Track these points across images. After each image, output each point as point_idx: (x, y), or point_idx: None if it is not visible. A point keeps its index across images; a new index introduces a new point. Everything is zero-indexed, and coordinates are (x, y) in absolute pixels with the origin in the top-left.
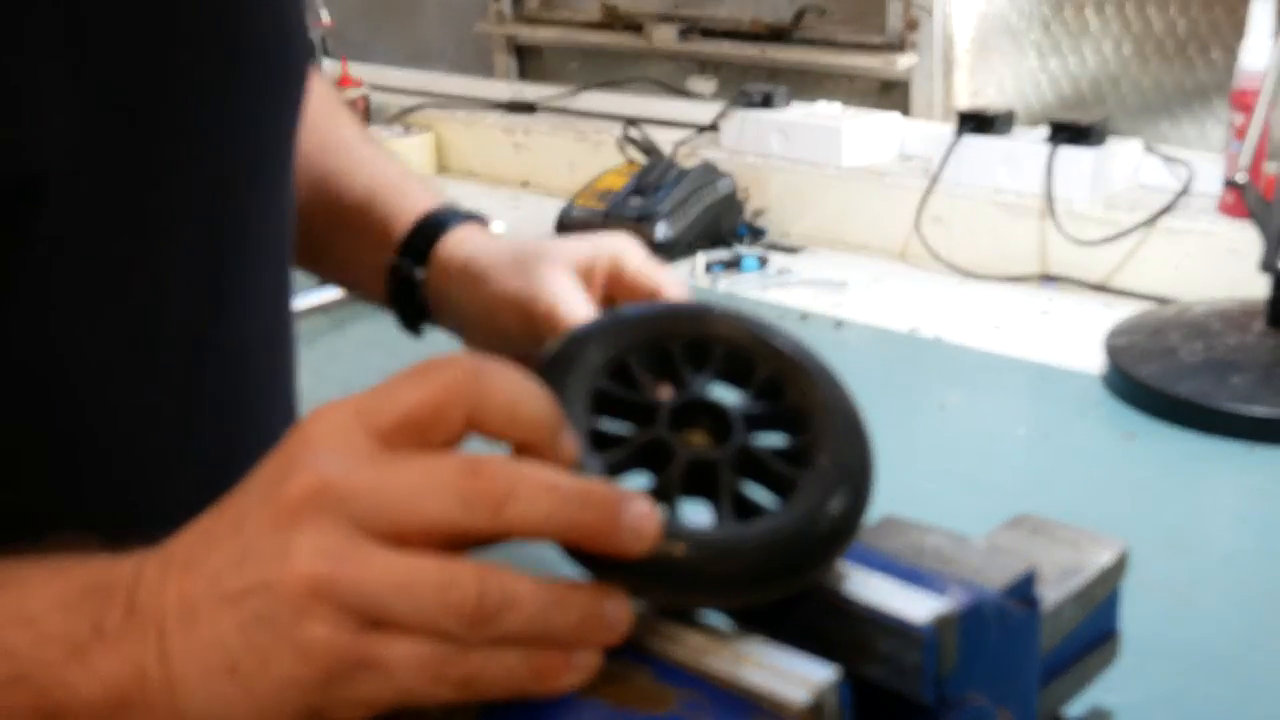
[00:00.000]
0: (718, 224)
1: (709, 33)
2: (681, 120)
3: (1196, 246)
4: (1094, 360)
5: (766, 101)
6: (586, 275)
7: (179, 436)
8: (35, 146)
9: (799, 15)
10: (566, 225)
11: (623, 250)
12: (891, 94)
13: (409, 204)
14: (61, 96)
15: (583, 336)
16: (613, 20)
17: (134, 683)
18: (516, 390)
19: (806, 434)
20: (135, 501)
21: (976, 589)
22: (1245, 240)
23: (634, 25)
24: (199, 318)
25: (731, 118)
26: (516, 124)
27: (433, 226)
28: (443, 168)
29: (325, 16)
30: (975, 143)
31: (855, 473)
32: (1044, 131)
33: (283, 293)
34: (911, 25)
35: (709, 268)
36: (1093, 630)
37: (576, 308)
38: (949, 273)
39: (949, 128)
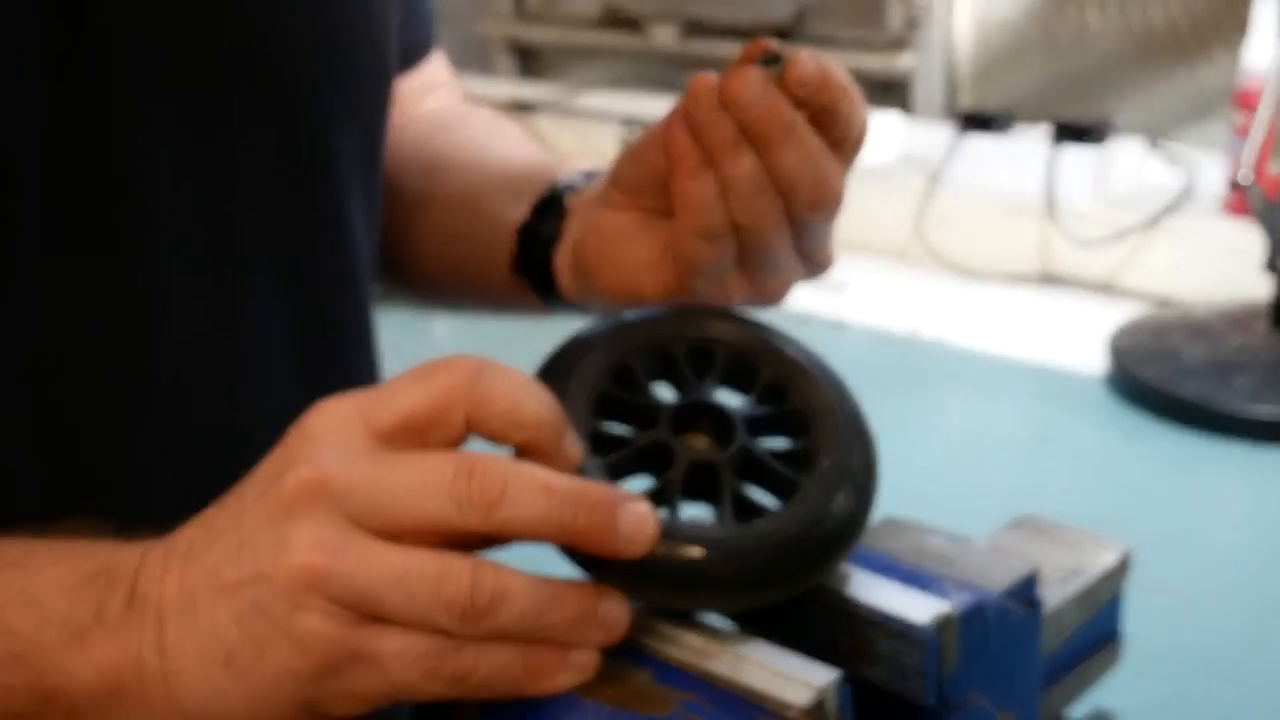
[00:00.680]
0: None
1: (709, 32)
2: None
3: (1199, 246)
4: (1096, 361)
5: None
6: None
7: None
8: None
9: (799, 14)
10: None
11: None
12: (891, 94)
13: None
14: (27, 83)
15: (585, 339)
16: (613, 20)
17: (131, 671)
18: (519, 394)
19: (809, 437)
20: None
21: (978, 590)
22: (1248, 240)
23: (634, 25)
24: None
25: None
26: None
27: (565, 186)
28: None
29: None
30: (976, 142)
31: (858, 475)
32: (1045, 131)
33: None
34: (912, 25)
35: None
36: (1095, 632)
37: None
38: (950, 273)
39: (950, 127)
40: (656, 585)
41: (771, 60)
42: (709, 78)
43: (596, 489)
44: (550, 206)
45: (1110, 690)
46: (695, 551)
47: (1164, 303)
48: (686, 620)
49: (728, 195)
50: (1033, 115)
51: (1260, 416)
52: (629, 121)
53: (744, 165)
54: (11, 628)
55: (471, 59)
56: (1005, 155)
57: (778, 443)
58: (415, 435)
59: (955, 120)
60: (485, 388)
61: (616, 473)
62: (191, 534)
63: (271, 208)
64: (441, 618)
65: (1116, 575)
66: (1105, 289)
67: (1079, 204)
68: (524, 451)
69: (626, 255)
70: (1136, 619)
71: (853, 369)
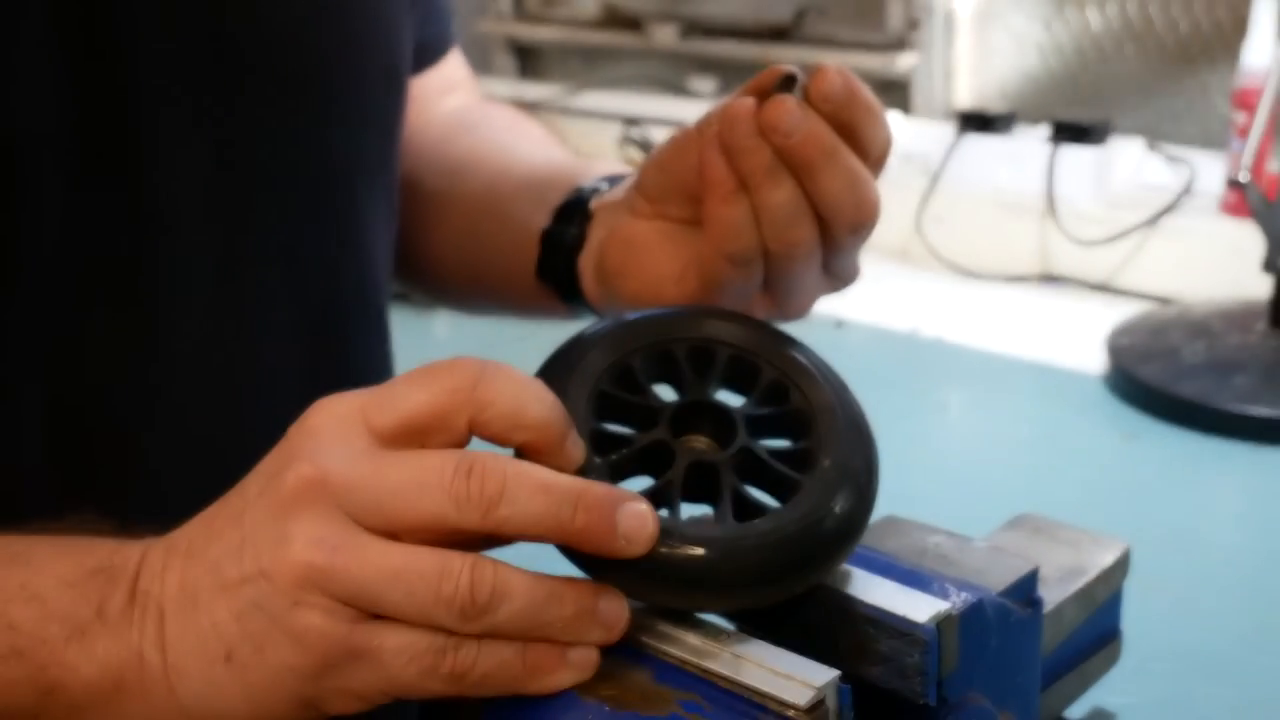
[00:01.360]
0: None
1: (709, 32)
2: (681, 120)
3: (1198, 246)
4: (1095, 360)
5: None
6: None
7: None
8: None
9: (799, 14)
10: None
11: None
12: (891, 94)
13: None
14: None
15: (586, 338)
16: (613, 20)
17: (131, 667)
18: (521, 395)
19: (810, 437)
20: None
21: (978, 589)
22: (1248, 240)
23: (634, 24)
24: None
25: None
26: None
27: (589, 191)
28: None
29: None
30: (976, 142)
31: (858, 475)
32: (1045, 131)
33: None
34: (912, 25)
35: None
36: (1095, 631)
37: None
38: (950, 273)
39: (950, 127)
40: (656, 585)
41: (788, 83)
42: (745, 102)
43: (596, 488)
44: (574, 211)
45: (1110, 689)
46: (695, 551)
47: (1163, 302)
48: (686, 620)
49: (761, 222)
50: (1033, 115)
51: (1259, 416)
52: (629, 121)
53: (781, 194)
54: (13, 623)
55: (471, 59)
56: (1005, 155)
57: (778, 443)
58: (416, 437)
59: (955, 120)
60: (487, 390)
61: (617, 473)
62: (192, 531)
63: (285, 210)
64: (440, 615)
65: (1116, 574)
66: (1105, 288)
67: (1079, 204)
68: (527, 452)
69: (650, 266)
70: (1136, 618)
71: (853, 368)
